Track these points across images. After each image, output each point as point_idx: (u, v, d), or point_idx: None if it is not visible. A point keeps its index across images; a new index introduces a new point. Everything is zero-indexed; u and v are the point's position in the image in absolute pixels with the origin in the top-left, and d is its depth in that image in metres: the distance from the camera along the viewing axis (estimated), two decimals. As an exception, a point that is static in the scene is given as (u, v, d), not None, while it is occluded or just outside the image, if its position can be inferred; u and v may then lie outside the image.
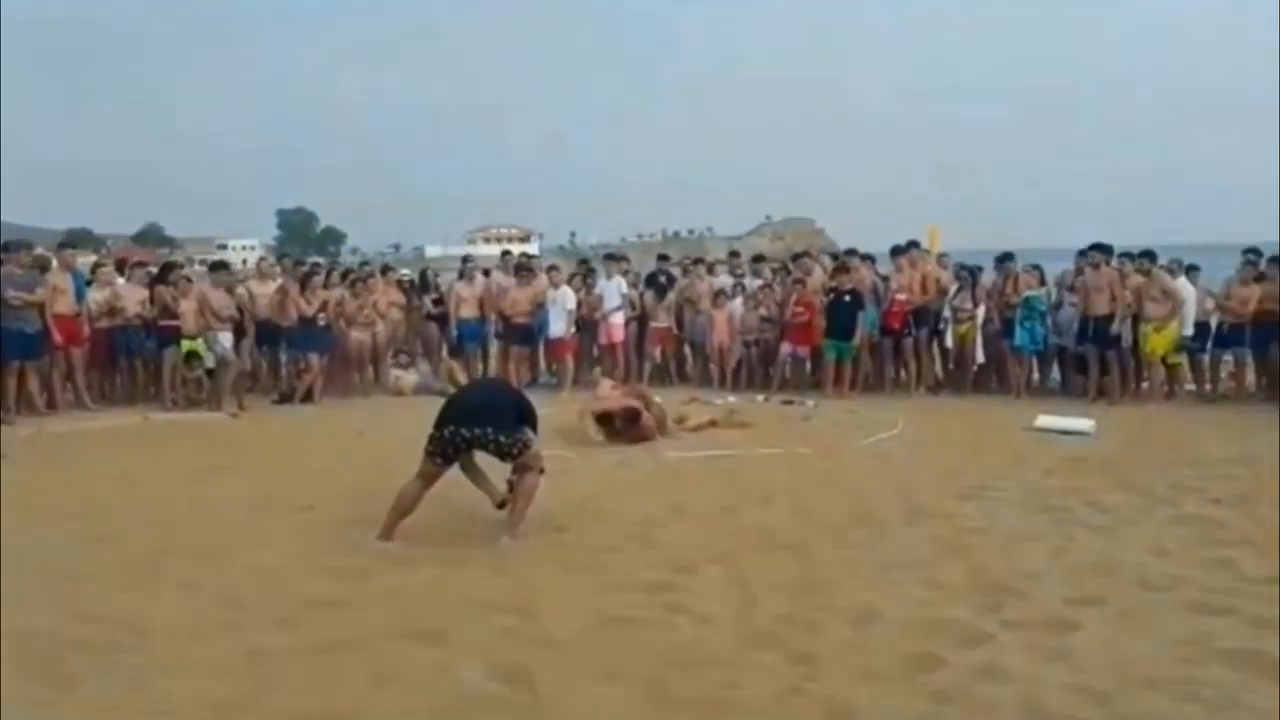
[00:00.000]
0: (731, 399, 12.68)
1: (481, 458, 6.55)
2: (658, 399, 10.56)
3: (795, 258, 15.56)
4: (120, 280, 13.07)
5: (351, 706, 4.00)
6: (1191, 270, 12.88)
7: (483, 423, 6.27)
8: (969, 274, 13.45)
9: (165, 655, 4.51)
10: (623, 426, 9.78)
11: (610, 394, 10.55)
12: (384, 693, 4.15)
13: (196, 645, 4.64)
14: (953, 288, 13.30)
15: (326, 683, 4.24)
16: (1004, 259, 13.38)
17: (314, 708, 3.99)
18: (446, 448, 6.29)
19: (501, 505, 6.60)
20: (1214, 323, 12.56)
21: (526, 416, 6.54)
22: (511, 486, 6.49)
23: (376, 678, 4.28)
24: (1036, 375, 13.47)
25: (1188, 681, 4.11)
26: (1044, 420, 10.29)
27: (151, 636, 4.73)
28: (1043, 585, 5.36)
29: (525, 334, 14.49)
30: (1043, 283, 13.14)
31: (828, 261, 14.84)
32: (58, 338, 11.72)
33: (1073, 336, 12.60)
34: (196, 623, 4.93)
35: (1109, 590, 5.25)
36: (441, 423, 6.33)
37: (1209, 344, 12.65)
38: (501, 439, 6.27)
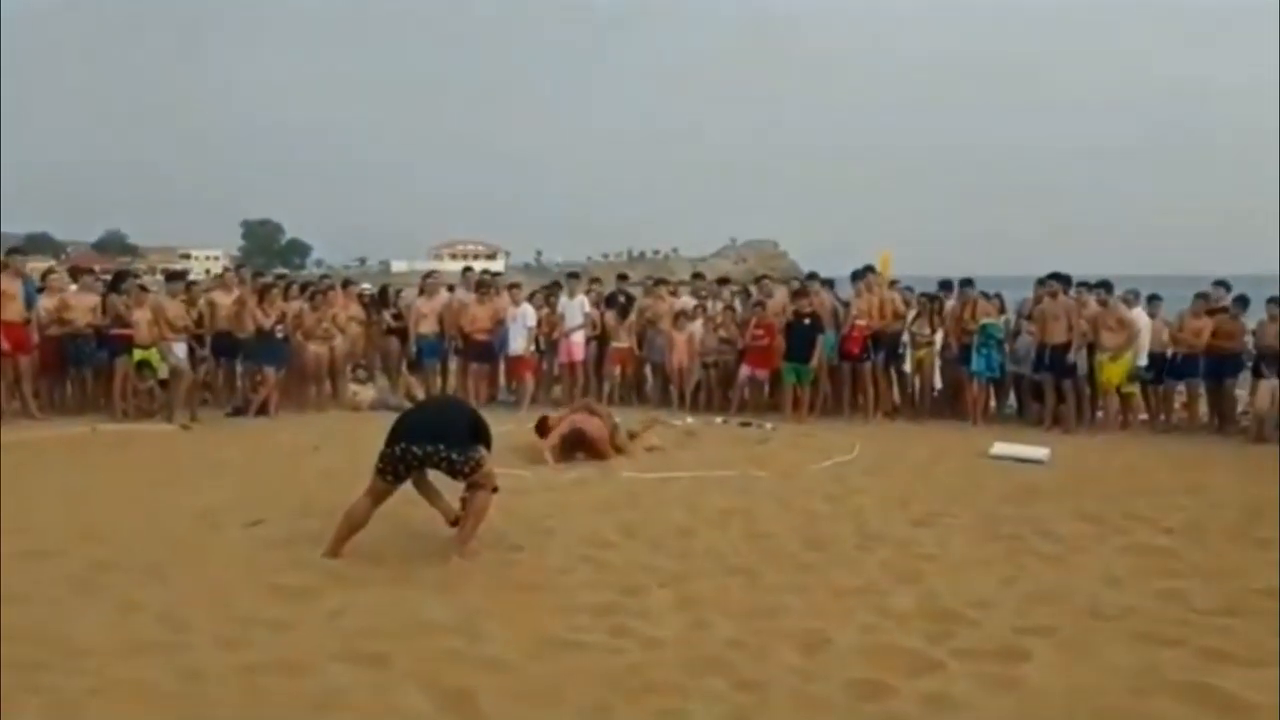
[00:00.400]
0: (690, 420, 12.65)
1: (436, 476, 6.47)
2: (607, 411, 10.53)
3: (757, 280, 15.61)
4: (72, 288, 12.86)
5: (287, 732, 3.90)
6: (1153, 300, 13.02)
7: (435, 440, 6.19)
8: (929, 300, 13.55)
9: (97, 677, 4.37)
10: (572, 447, 9.77)
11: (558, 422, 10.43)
12: (321, 716, 4.05)
13: (132, 666, 4.51)
14: (911, 313, 13.38)
15: (264, 706, 4.13)
16: (964, 284, 13.49)
17: (247, 733, 3.88)
18: (397, 465, 6.20)
19: (454, 523, 6.52)
20: (1169, 354, 12.70)
21: (480, 434, 6.47)
22: (464, 504, 6.41)
23: (315, 701, 4.18)
24: (994, 403, 13.57)
25: (1136, 714, 4.11)
26: (999, 448, 10.34)
27: (85, 658, 4.59)
28: (994, 614, 5.34)
29: (485, 351, 14.40)
30: (1002, 311, 13.26)
31: (788, 287, 14.88)
32: (5, 345, 11.52)
33: (1030, 364, 12.71)
34: (133, 642, 4.80)
35: (1059, 619, 5.24)
36: (393, 439, 6.24)
37: (1164, 374, 12.78)
38: (454, 456, 6.19)
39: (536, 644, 4.86)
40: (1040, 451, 10.17)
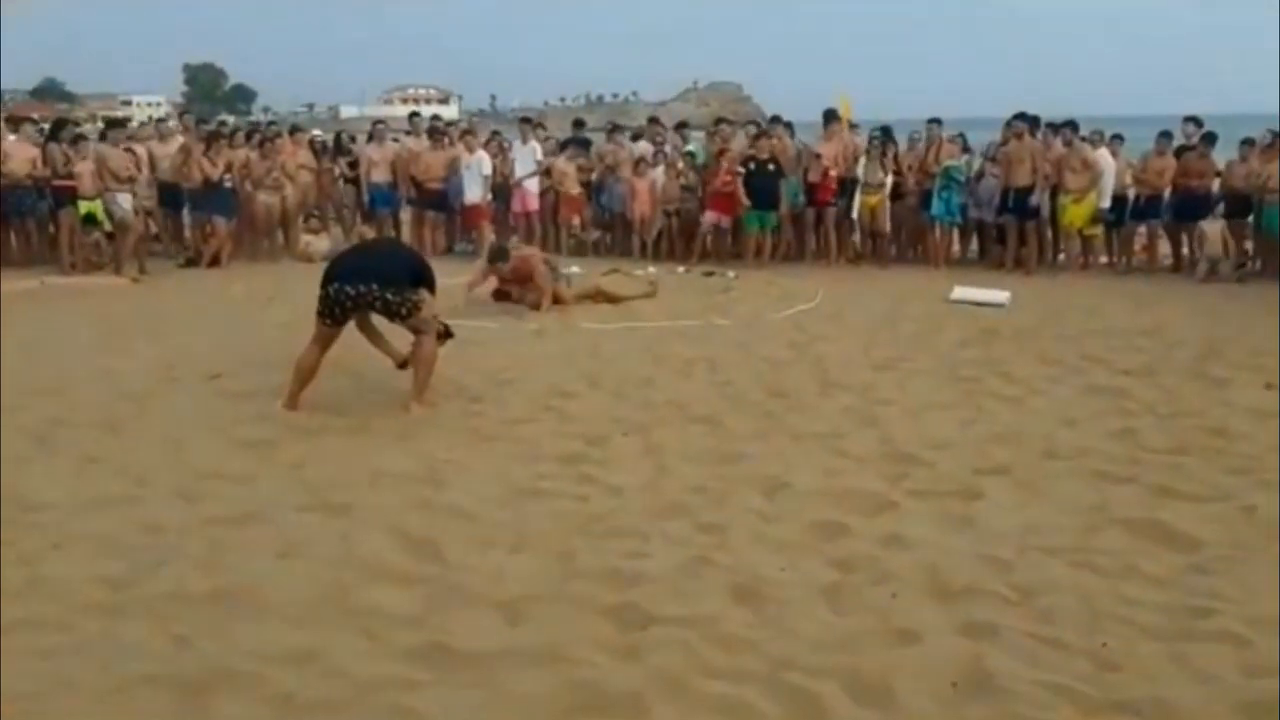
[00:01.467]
0: (652, 270, 12.55)
1: (390, 329, 6.39)
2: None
3: (715, 123, 15.28)
4: (10, 138, 12.39)
5: (251, 581, 3.92)
6: (1115, 140, 12.88)
7: (368, 279, 6.06)
8: (880, 143, 13.30)
9: (56, 532, 4.37)
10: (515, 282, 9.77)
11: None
12: (286, 565, 4.08)
13: (92, 520, 4.50)
14: (862, 158, 13.13)
15: (226, 557, 4.15)
16: (930, 123, 13.31)
17: (210, 583, 3.89)
18: (333, 307, 6.10)
19: (403, 365, 6.48)
20: (1131, 195, 12.67)
21: (422, 278, 6.33)
22: (413, 353, 6.35)
23: (279, 551, 4.21)
24: (956, 247, 13.55)
25: (1087, 550, 4.21)
26: (960, 292, 10.37)
27: (43, 512, 4.58)
28: (951, 455, 5.44)
29: (439, 200, 14.12)
30: (965, 151, 13.10)
31: (747, 131, 14.57)
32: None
33: (992, 208, 12.65)
34: (93, 497, 4.79)
35: (1015, 460, 5.34)
36: (327, 280, 6.13)
37: (1126, 216, 12.78)
38: (389, 296, 6.06)
39: (500, 492, 4.90)
40: (1000, 295, 10.22)
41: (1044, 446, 5.56)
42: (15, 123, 13.23)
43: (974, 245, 13.73)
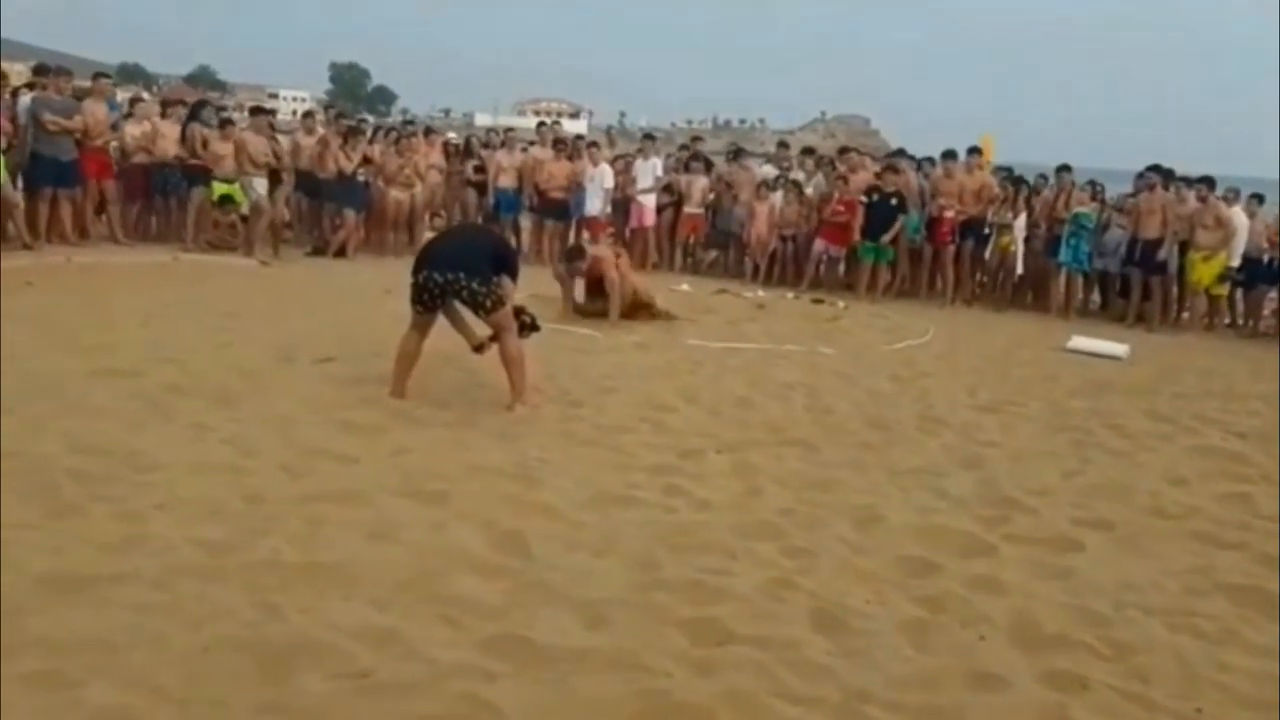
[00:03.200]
0: (761, 293, 12.52)
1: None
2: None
3: (841, 152, 15.19)
4: (160, 119, 12.92)
5: (342, 556, 4.02)
6: (1252, 200, 12.43)
7: (455, 268, 6.15)
8: (1013, 185, 13.12)
9: (164, 493, 4.53)
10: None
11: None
12: (377, 547, 4.16)
13: (197, 485, 4.66)
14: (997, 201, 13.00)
15: (321, 533, 4.25)
16: (1060, 170, 13.05)
17: (304, 556, 4.00)
18: (422, 294, 6.22)
19: (478, 349, 6.57)
20: (1266, 258, 12.20)
21: (506, 265, 6.42)
22: (494, 336, 6.42)
23: (372, 532, 4.30)
24: (1079, 295, 13.21)
25: (1187, 612, 4.06)
26: (1077, 341, 10.11)
27: (153, 473, 4.75)
28: (1052, 503, 5.30)
29: (560, 209, 14.32)
30: (1095, 199, 12.80)
31: (867, 163, 14.45)
32: (89, 168, 11.67)
33: (1117, 259, 12.31)
34: (200, 463, 4.96)
35: (1119, 515, 5.18)
36: (418, 268, 6.25)
37: (1257, 278, 12.30)
38: (475, 286, 6.13)
39: (591, 495, 4.93)
40: (1119, 348, 9.93)
41: (1150, 504, 5.38)
42: (166, 106, 13.80)
43: (1095, 296, 13.38)
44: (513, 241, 14.35)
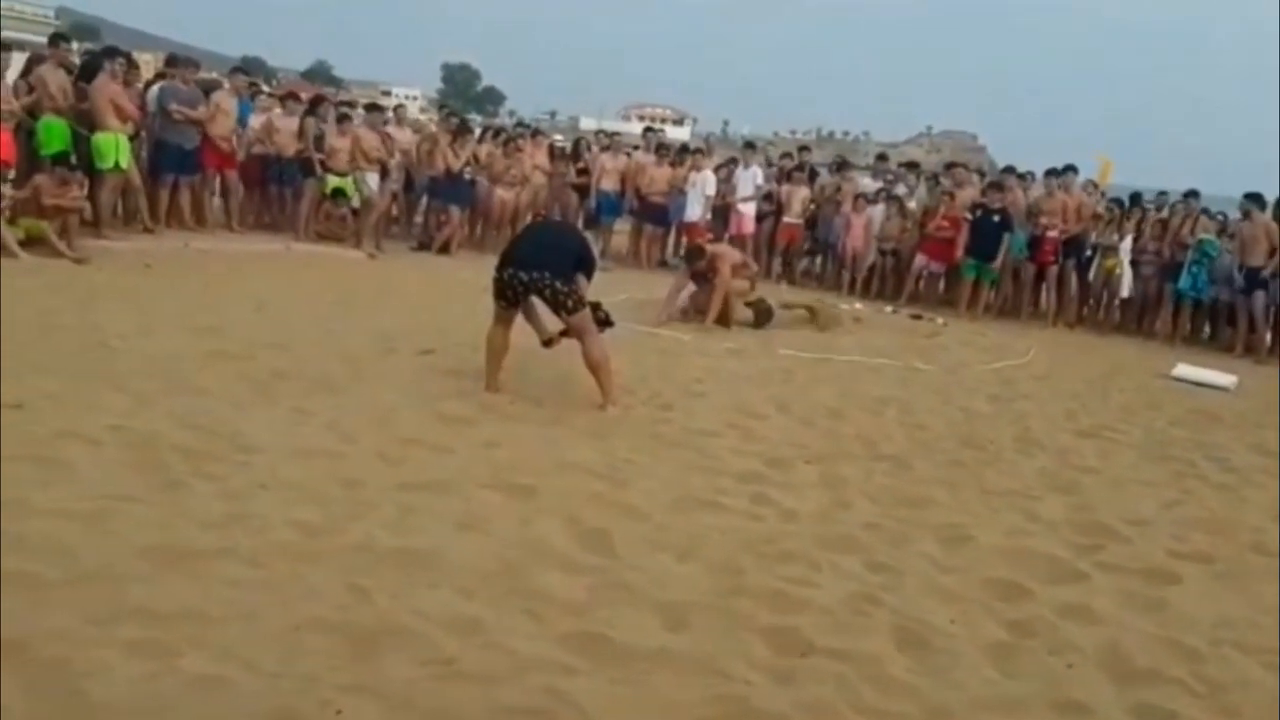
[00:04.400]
0: (859, 306, 12.41)
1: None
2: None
3: (948, 167, 14.99)
4: (279, 113, 13.29)
5: (432, 544, 4.11)
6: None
7: (541, 266, 6.22)
8: (1118, 207, 12.83)
9: (264, 473, 4.67)
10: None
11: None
12: (466, 537, 4.24)
13: (296, 467, 4.80)
14: (1101, 221, 12.71)
15: (413, 520, 4.35)
16: (1188, 196, 12.73)
17: (395, 542, 4.09)
18: (506, 290, 6.30)
19: (547, 344, 6.68)
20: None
21: (584, 264, 6.49)
22: (565, 331, 6.51)
23: (462, 522, 4.38)
24: (1189, 323, 12.82)
25: (1286, 654, 3.92)
26: (1183, 370, 9.82)
27: (255, 453, 4.91)
28: (1149, 534, 5.16)
29: (659, 214, 14.38)
30: (1222, 229, 12.45)
31: (975, 179, 14.26)
32: (213, 158, 12.07)
33: (1232, 287, 11.93)
34: (301, 446, 5.10)
35: (1218, 549, 5.02)
36: (502, 265, 6.33)
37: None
38: (558, 285, 6.20)
39: (677, 498, 4.95)
40: (1226, 378, 9.61)
41: (1251, 540, 5.20)
42: (283, 99, 14.21)
43: (1206, 326, 12.98)
44: (608, 243, 14.52)
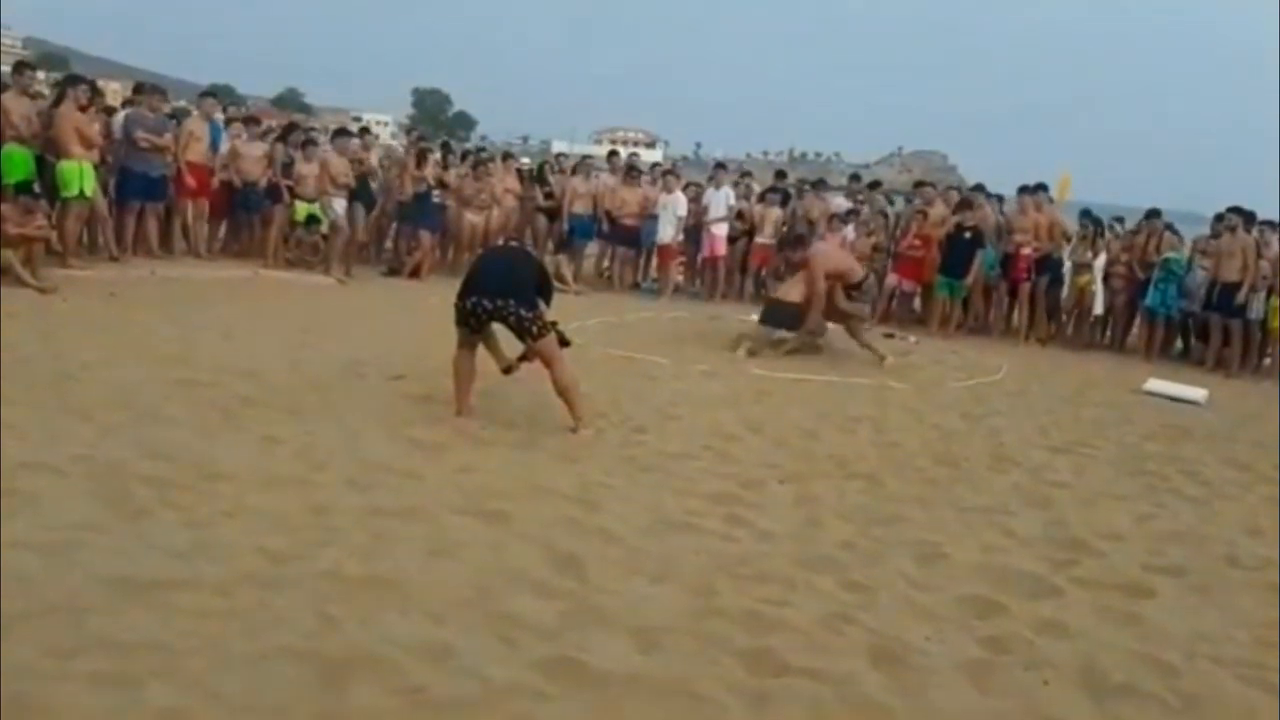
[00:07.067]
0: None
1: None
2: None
3: (917, 185, 15.10)
4: (243, 137, 13.21)
5: (402, 571, 4.05)
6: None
7: (504, 294, 6.21)
8: (1092, 224, 12.95)
9: (232, 501, 4.60)
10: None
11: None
12: (437, 563, 4.19)
13: (264, 495, 4.73)
14: (1075, 239, 12.85)
15: (383, 546, 4.29)
16: (1150, 215, 12.84)
17: (364, 569, 4.03)
18: (469, 318, 6.28)
19: (507, 371, 6.66)
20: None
21: (544, 289, 6.50)
22: (524, 356, 6.50)
23: (432, 549, 4.32)
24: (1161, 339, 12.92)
25: (1260, 665, 3.91)
26: (1154, 384, 9.87)
27: (222, 482, 4.84)
28: (1123, 548, 5.15)
29: (631, 236, 14.39)
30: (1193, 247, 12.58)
31: (946, 197, 14.37)
32: (190, 182, 11.98)
33: (1199, 301, 12.04)
34: (269, 474, 5.04)
35: (1192, 562, 5.02)
36: (464, 293, 6.30)
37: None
38: (522, 312, 6.20)
39: (651, 521, 4.91)
40: (1197, 392, 9.67)
41: (1225, 552, 5.21)
42: (245, 122, 14.11)
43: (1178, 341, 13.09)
44: (580, 267, 14.48)
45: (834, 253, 10.61)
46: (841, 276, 10.02)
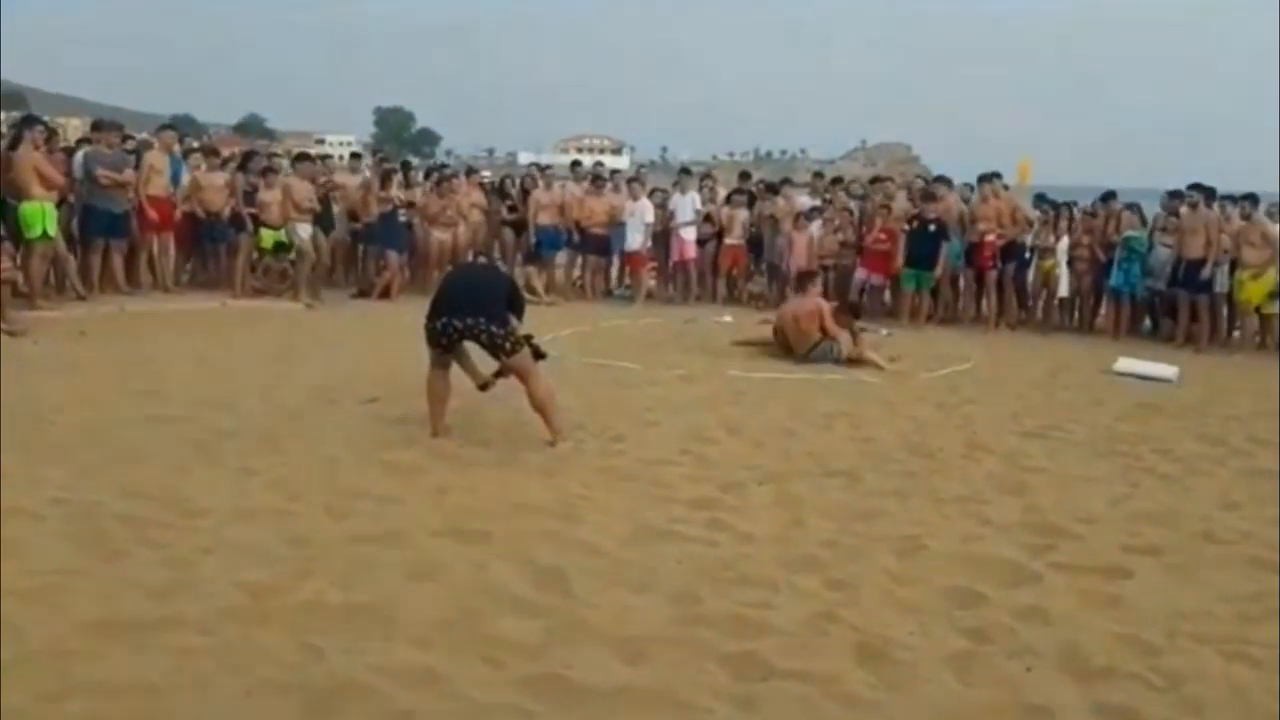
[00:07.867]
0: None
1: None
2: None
3: (873, 181, 15.18)
4: (202, 167, 13.13)
5: (384, 597, 4.04)
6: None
7: (474, 313, 6.20)
8: (1052, 208, 13.07)
9: (210, 536, 4.58)
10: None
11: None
12: (419, 587, 4.18)
13: (242, 528, 4.71)
14: (1036, 224, 12.96)
15: (364, 573, 4.28)
16: (1107, 197, 12.96)
17: (346, 597, 4.02)
18: (440, 338, 6.27)
19: (483, 388, 6.65)
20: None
21: (514, 304, 6.49)
22: (499, 372, 6.48)
23: (414, 573, 4.31)
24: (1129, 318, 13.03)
25: (1241, 640, 3.96)
26: (1124, 364, 9.96)
27: (199, 517, 4.82)
28: (1100, 530, 5.20)
29: (600, 245, 14.40)
30: (1143, 223, 12.68)
31: (909, 189, 14.48)
32: (153, 216, 11.91)
33: (1165, 279, 12.15)
34: (246, 507, 5.01)
35: (1169, 541, 5.08)
36: (434, 314, 6.29)
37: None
38: (494, 329, 6.18)
39: (632, 531, 4.93)
40: (1168, 370, 9.76)
41: (1201, 529, 5.27)
42: (203, 152, 14.04)
43: (1146, 320, 13.21)
44: (551, 278, 14.47)
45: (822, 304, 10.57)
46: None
